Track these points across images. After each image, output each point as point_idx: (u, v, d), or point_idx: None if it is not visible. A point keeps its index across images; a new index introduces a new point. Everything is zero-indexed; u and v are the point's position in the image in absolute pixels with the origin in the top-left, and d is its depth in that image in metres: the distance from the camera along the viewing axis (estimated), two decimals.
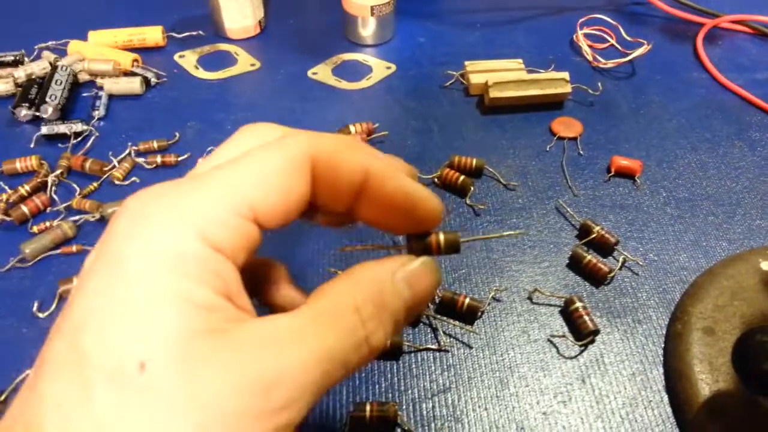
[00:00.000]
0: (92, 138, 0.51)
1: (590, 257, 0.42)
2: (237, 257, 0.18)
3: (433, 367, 0.37)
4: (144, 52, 0.61)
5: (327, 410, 0.34)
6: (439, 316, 0.39)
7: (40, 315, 0.38)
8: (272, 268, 0.24)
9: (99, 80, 0.56)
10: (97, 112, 0.53)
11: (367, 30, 0.63)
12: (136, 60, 0.59)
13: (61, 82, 0.53)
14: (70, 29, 0.62)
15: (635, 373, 0.37)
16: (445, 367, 0.37)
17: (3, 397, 0.34)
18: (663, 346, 0.38)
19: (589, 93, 0.57)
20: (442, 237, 0.23)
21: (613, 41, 0.64)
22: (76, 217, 0.43)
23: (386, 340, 0.20)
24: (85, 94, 0.56)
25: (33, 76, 0.55)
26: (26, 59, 0.58)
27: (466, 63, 0.59)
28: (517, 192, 0.48)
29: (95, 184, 0.46)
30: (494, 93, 0.54)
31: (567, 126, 0.54)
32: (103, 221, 0.43)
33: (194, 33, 0.64)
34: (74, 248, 0.41)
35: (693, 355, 0.36)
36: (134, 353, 0.15)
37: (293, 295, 0.24)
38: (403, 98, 0.57)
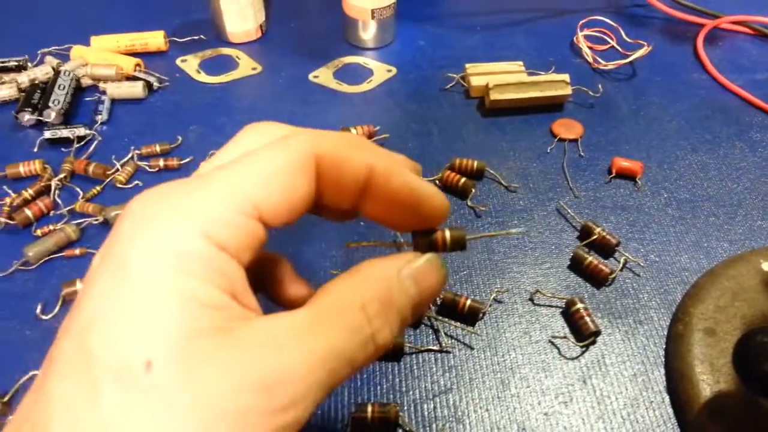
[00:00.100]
0: (95, 142, 0.51)
1: (591, 258, 0.42)
2: (242, 256, 0.18)
3: (434, 368, 0.37)
4: (146, 56, 0.61)
5: (328, 411, 0.35)
6: (440, 318, 0.39)
7: (44, 317, 0.38)
8: (277, 263, 0.24)
9: (102, 85, 0.56)
10: (99, 117, 0.53)
11: (368, 33, 0.63)
12: (138, 64, 0.59)
13: (64, 87, 0.54)
14: (72, 34, 0.62)
15: (636, 374, 0.37)
16: (447, 368, 0.37)
17: (6, 399, 0.34)
18: (664, 347, 0.38)
19: (590, 95, 0.58)
20: (448, 234, 0.23)
21: (613, 43, 0.65)
22: (80, 221, 0.44)
23: (393, 337, 0.20)
24: (87, 99, 0.56)
25: (36, 81, 0.55)
26: (29, 64, 0.59)
27: (467, 65, 0.59)
28: (518, 194, 0.48)
29: (98, 188, 0.47)
30: (495, 95, 0.54)
31: (567, 128, 0.54)
32: (106, 224, 0.44)
33: (196, 37, 0.64)
34: (77, 251, 0.41)
35: (694, 356, 0.36)
36: (139, 353, 0.15)
37: (299, 291, 0.24)
38: (404, 101, 0.58)
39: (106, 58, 0.58)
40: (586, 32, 0.65)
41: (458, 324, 0.39)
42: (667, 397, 0.36)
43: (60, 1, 0.71)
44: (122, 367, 0.15)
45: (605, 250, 0.43)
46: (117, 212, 0.43)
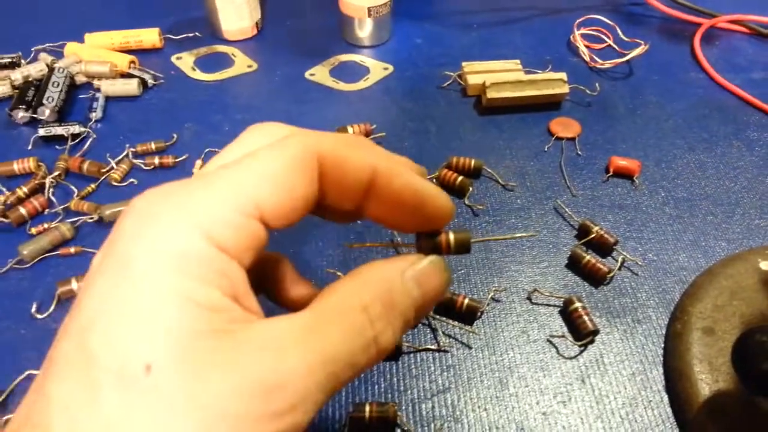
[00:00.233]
0: (90, 140, 0.51)
1: (589, 257, 0.42)
2: (243, 257, 0.18)
3: (432, 368, 0.36)
4: (141, 53, 0.61)
5: (326, 411, 0.34)
6: (438, 317, 0.39)
7: (39, 316, 0.38)
8: (279, 264, 0.24)
9: (96, 82, 0.56)
10: (94, 114, 0.53)
11: (364, 31, 0.63)
12: (133, 62, 0.58)
13: (58, 84, 0.53)
14: (66, 31, 0.62)
15: (635, 373, 0.37)
16: (445, 367, 0.37)
17: (2, 399, 0.34)
18: (663, 346, 0.38)
19: (587, 93, 0.57)
20: (452, 236, 0.22)
21: (610, 42, 0.64)
22: (75, 219, 0.43)
23: (395, 340, 0.20)
24: (82, 96, 0.56)
25: (30, 79, 0.55)
26: (23, 61, 0.58)
27: (464, 64, 0.59)
28: (515, 192, 0.48)
29: (93, 186, 0.46)
30: (492, 94, 0.54)
31: (565, 126, 0.54)
32: (101, 223, 0.43)
33: (191, 35, 0.64)
34: (72, 250, 0.41)
35: (693, 355, 0.36)
36: (139, 354, 0.15)
37: (302, 292, 0.24)
38: (401, 99, 0.57)
39: (101, 55, 0.58)
40: (583, 31, 0.64)
41: (456, 323, 0.38)
42: (666, 396, 0.36)
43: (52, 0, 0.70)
44: (122, 368, 0.15)
45: (603, 249, 0.43)
46: (112, 210, 0.43)
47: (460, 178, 0.47)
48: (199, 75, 0.59)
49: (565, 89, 0.56)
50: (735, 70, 0.62)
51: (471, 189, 0.47)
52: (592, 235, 0.43)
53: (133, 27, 0.62)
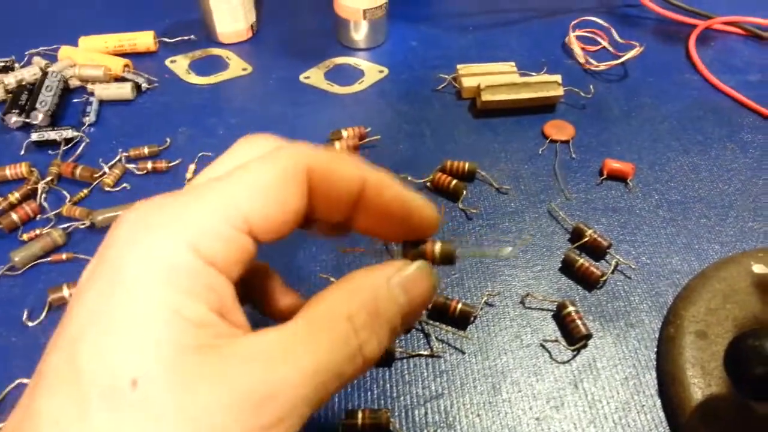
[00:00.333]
0: (83, 144, 0.50)
1: (582, 261, 0.41)
2: (231, 270, 0.18)
3: (425, 374, 0.36)
4: (135, 57, 0.61)
5: (318, 418, 0.34)
6: (431, 322, 0.39)
7: (30, 324, 0.38)
8: (266, 275, 0.24)
9: (90, 86, 0.55)
10: (87, 118, 0.53)
11: (360, 34, 0.63)
12: (127, 65, 0.58)
13: (51, 88, 0.53)
14: (60, 35, 0.61)
15: (628, 378, 0.37)
16: (438, 373, 0.36)
17: None
18: (656, 350, 0.38)
19: (581, 96, 0.57)
20: (438, 246, 0.22)
21: (605, 44, 0.64)
22: (66, 225, 0.43)
23: (381, 349, 0.20)
24: (75, 100, 0.55)
25: (23, 83, 0.55)
26: (17, 65, 0.58)
27: (459, 66, 0.59)
28: (509, 196, 0.48)
29: (85, 191, 0.46)
30: (486, 96, 0.54)
31: (559, 129, 0.54)
32: (93, 228, 0.43)
33: (185, 38, 0.64)
34: (64, 256, 0.41)
35: (685, 359, 0.36)
36: (127, 368, 0.15)
37: (289, 302, 0.24)
38: (396, 102, 0.57)
39: (95, 58, 0.58)
40: (579, 33, 0.64)
41: (449, 328, 0.38)
42: (659, 400, 0.36)
43: (48, 1, 0.70)
44: (111, 383, 0.15)
45: (596, 252, 0.43)
46: (104, 216, 0.43)
47: (454, 181, 0.47)
48: (193, 78, 0.59)
49: (559, 92, 0.55)
50: (730, 72, 0.62)
51: (465, 192, 0.47)
52: (586, 239, 0.43)
53: (128, 30, 0.62)
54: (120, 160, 0.49)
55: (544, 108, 0.56)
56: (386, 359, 0.37)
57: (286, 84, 0.59)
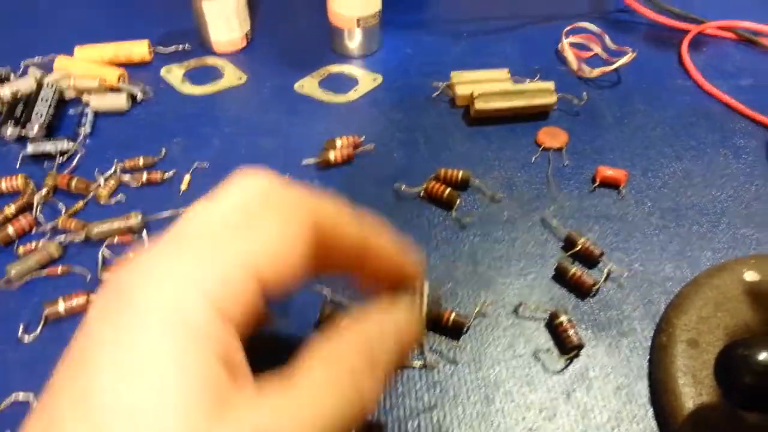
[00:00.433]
0: (78, 155, 0.51)
1: (575, 269, 0.42)
2: (243, 327, 0.18)
3: (418, 385, 0.37)
4: (130, 66, 0.61)
5: None
6: (424, 333, 0.39)
7: (27, 337, 0.38)
8: (266, 321, 0.24)
9: (85, 97, 0.56)
10: (83, 130, 0.53)
11: (354, 42, 0.63)
12: (122, 75, 0.58)
13: (47, 100, 0.53)
14: (56, 44, 0.62)
15: (620, 387, 0.37)
16: (431, 384, 0.37)
17: None
18: (648, 358, 0.39)
19: (575, 103, 0.58)
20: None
21: (598, 50, 0.65)
22: (62, 237, 0.43)
23: (381, 392, 0.21)
24: (71, 111, 0.56)
25: (19, 94, 0.55)
26: (12, 75, 0.58)
27: (452, 74, 0.59)
28: (503, 204, 0.48)
29: (81, 203, 0.46)
30: (480, 105, 0.54)
31: (552, 136, 0.54)
32: (89, 241, 0.43)
33: (180, 47, 0.64)
34: (59, 270, 0.41)
35: (677, 367, 0.36)
36: (142, 427, 0.15)
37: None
38: (390, 110, 0.58)
39: (90, 69, 0.58)
40: (572, 39, 0.65)
41: (443, 338, 0.39)
42: (651, 409, 0.36)
43: (43, 10, 0.70)
44: None
45: (589, 260, 0.44)
46: (99, 228, 0.43)
47: (448, 190, 0.47)
48: (188, 88, 0.59)
49: (553, 99, 0.56)
50: (723, 77, 0.62)
51: (459, 201, 0.47)
52: (579, 247, 0.43)
53: (123, 37, 0.62)
54: (115, 171, 0.49)
55: (538, 115, 0.56)
56: None
57: (280, 93, 0.59)
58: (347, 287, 0.24)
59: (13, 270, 0.40)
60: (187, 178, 0.49)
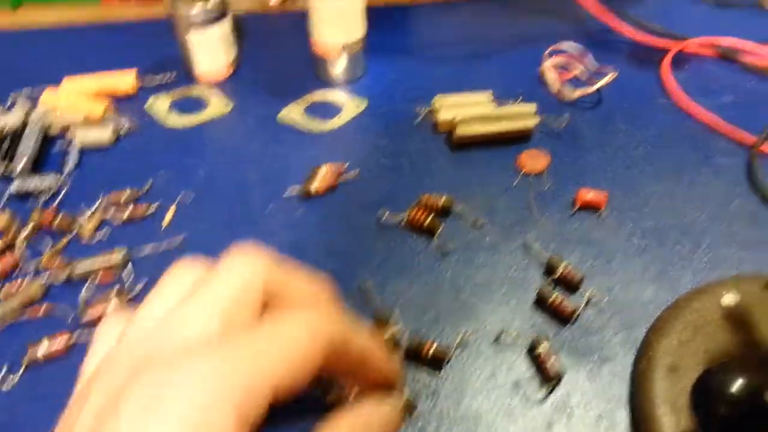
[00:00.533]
0: (63, 191, 0.51)
1: (555, 296, 0.42)
2: (255, 429, 0.19)
3: None
4: (116, 98, 0.61)
5: None
6: (405, 363, 0.39)
7: (11, 378, 0.38)
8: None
9: (70, 131, 0.56)
10: (68, 164, 0.53)
11: (338, 68, 0.64)
12: (107, 108, 0.59)
13: (32, 136, 0.54)
14: (43, 73, 0.63)
15: (602, 415, 0.37)
16: (413, 418, 0.37)
17: None
18: (629, 383, 0.39)
19: (555, 125, 0.58)
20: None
21: (579, 70, 0.65)
22: (45, 276, 0.44)
23: None
24: (56, 146, 0.56)
25: (5, 129, 0.55)
26: (0, 108, 0.59)
27: (435, 98, 0.59)
28: (485, 229, 0.49)
29: (64, 241, 0.47)
30: (462, 130, 0.55)
31: (534, 159, 0.54)
32: (71, 281, 0.43)
33: (166, 77, 0.64)
34: (41, 310, 0.41)
35: (656, 394, 0.36)
36: None
37: None
38: (374, 136, 0.58)
39: (77, 102, 0.59)
40: (554, 60, 0.65)
41: (424, 369, 0.39)
42: None
43: (30, 42, 0.71)
44: None
45: (570, 285, 0.44)
46: (82, 267, 0.43)
47: (430, 218, 0.48)
48: (173, 120, 0.60)
49: (534, 121, 0.56)
50: (704, 94, 0.63)
51: (441, 229, 0.48)
52: (559, 272, 0.44)
53: (111, 66, 0.63)
54: (99, 206, 0.50)
55: (521, 137, 0.57)
56: None
57: (265, 122, 0.60)
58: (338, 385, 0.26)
59: None
60: (169, 215, 0.49)
